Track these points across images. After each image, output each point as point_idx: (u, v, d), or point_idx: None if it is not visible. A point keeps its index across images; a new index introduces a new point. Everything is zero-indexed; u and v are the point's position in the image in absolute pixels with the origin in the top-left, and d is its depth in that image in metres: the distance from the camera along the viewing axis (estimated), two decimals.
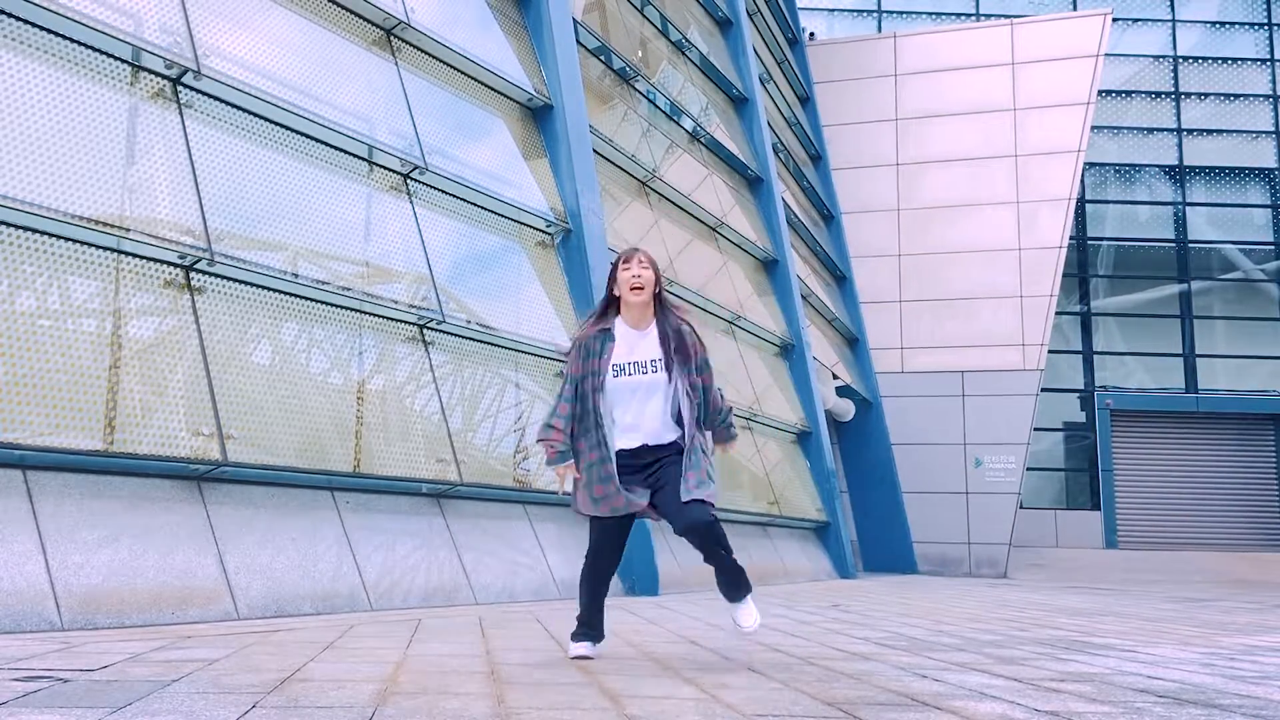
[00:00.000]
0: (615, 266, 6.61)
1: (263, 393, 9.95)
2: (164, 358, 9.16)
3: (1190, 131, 42.20)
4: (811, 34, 37.42)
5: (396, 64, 13.13)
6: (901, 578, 26.54)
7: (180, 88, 10.10)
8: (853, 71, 34.96)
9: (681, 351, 6.50)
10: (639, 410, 6.49)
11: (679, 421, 6.53)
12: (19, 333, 8.14)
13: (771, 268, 24.41)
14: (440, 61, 13.96)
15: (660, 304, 6.63)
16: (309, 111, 11.28)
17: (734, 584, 6.63)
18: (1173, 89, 42.49)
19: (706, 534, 6.35)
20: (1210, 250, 41.58)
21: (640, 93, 19.87)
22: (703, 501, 6.36)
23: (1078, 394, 40.29)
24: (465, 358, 12.90)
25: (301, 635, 7.29)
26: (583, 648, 6.62)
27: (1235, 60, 42.71)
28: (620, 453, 6.50)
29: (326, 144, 11.68)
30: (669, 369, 6.48)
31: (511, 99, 15.21)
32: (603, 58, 18.51)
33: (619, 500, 6.41)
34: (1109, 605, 15.08)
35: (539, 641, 7.26)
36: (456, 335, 12.73)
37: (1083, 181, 39.70)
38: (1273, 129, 42.08)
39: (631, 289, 6.47)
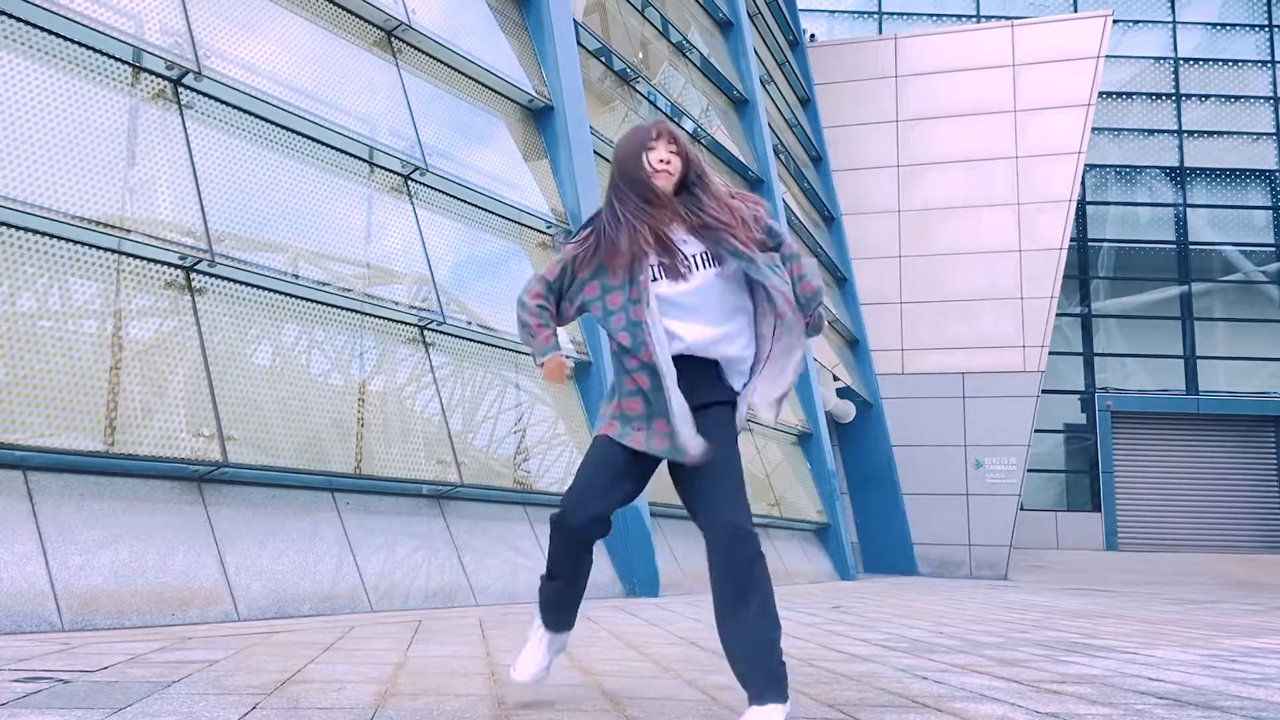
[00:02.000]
0: (635, 148, 4.74)
1: (263, 394, 9.95)
2: (164, 359, 9.16)
3: (1191, 133, 42.22)
4: (812, 35, 37.46)
5: (397, 65, 13.13)
6: (902, 579, 26.55)
7: (181, 89, 10.10)
8: (853, 73, 34.95)
9: (724, 228, 4.60)
10: (681, 322, 4.63)
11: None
12: (20, 333, 8.14)
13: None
14: (441, 63, 13.96)
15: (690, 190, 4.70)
16: (310, 113, 11.28)
17: (764, 664, 4.40)
18: (1173, 90, 42.51)
19: (748, 559, 4.33)
20: (1211, 252, 41.60)
21: (641, 94, 19.87)
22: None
23: (1078, 396, 40.32)
24: (466, 359, 12.90)
25: (302, 636, 7.29)
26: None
27: (1236, 62, 42.74)
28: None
29: (327, 145, 11.67)
30: (719, 260, 4.63)
31: (512, 100, 15.21)
32: (603, 59, 18.51)
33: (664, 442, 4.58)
34: (1109, 607, 15.09)
35: None
36: (457, 336, 12.73)
37: (1083, 183, 39.79)
38: (1273, 130, 42.09)
39: (658, 174, 4.62)
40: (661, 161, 4.65)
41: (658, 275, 4.64)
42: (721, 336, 4.71)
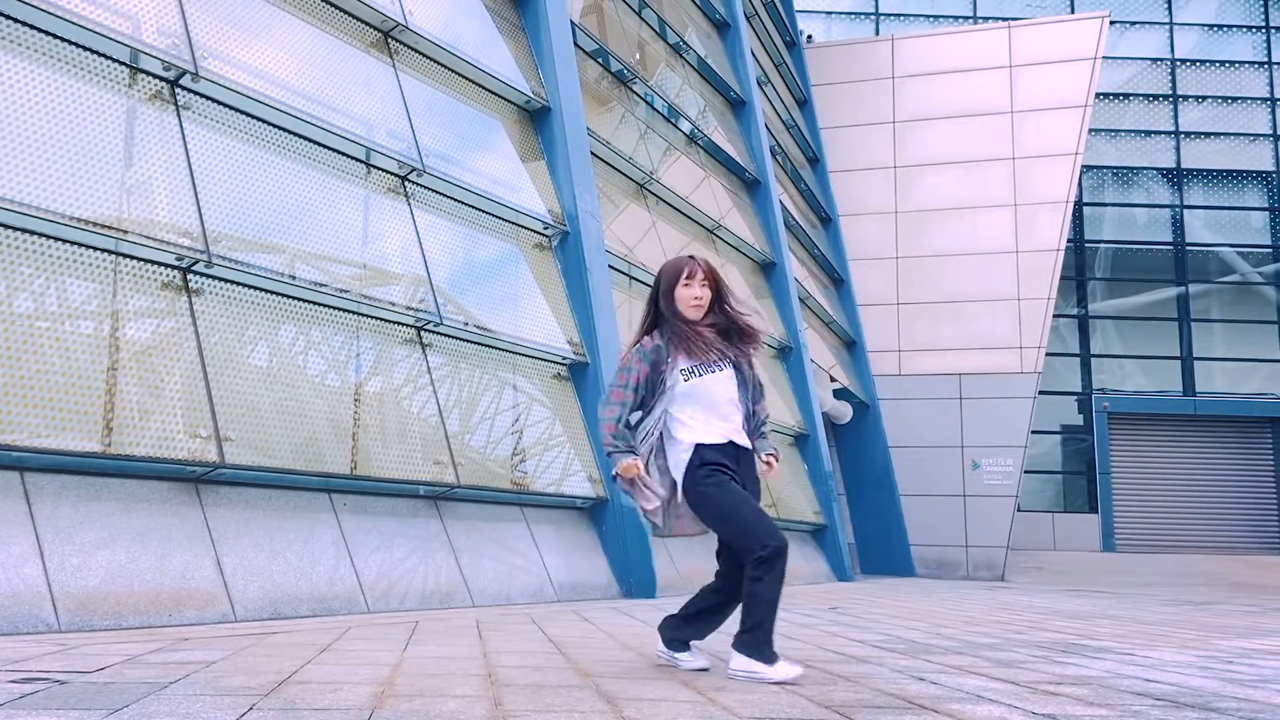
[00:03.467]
0: (673, 280, 6.16)
1: (260, 395, 9.95)
2: (161, 360, 9.16)
3: (1188, 134, 42.26)
4: (809, 36, 37.44)
5: (394, 66, 13.13)
6: (899, 580, 26.54)
7: (178, 90, 10.10)
8: (850, 74, 34.93)
9: (744, 344, 6.21)
10: (718, 409, 6.06)
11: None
12: (17, 335, 8.14)
13: (769, 270, 24.41)
14: (438, 64, 13.96)
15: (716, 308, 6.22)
16: (307, 114, 11.27)
17: (761, 631, 5.72)
18: (1170, 91, 42.56)
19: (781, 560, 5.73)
20: (1208, 253, 41.64)
21: (638, 95, 19.88)
22: None
23: (1075, 397, 40.34)
24: (463, 360, 12.90)
25: (298, 637, 7.29)
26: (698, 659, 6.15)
27: (1233, 63, 42.79)
28: (709, 447, 5.97)
29: (324, 146, 11.67)
30: (736, 364, 6.16)
31: (509, 101, 15.21)
32: (600, 60, 18.51)
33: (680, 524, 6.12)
34: (1106, 608, 15.09)
35: (536, 644, 7.26)
36: (454, 337, 12.73)
37: (1080, 184, 39.73)
38: (1270, 132, 42.13)
39: (692, 307, 6.10)
40: (695, 299, 6.13)
41: (689, 376, 6.05)
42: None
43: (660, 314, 6.21)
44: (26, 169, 8.45)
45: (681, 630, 6.24)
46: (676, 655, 6.20)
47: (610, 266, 15.94)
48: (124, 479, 8.78)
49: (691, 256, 6.23)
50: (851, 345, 32.29)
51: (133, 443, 8.62)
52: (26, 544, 7.81)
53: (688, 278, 6.12)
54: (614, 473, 5.98)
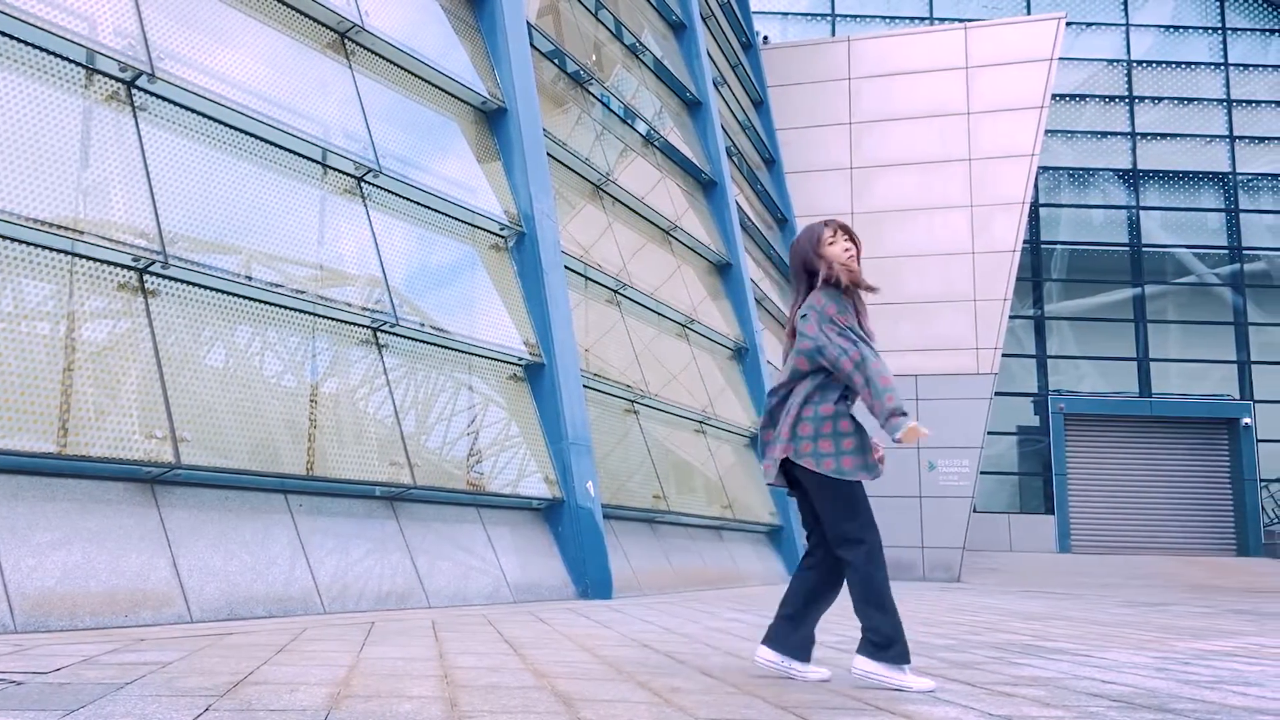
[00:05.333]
0: (817, 241, 6.11)
1: (216, 395, 9.92)
2: (118, 360, 9.12)
3: (1144, 135, 42.45)
4: (765, 38, 37.52)
5: (350, 67, 13.10)
6: None
7: (135, 91, 10.06)
8: (806, 75, 35.01)
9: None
10: None
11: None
12: None
13: (725, 271, 24.45)
14: (394, 65, 13.94)
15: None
16: (263, 114, 11.24)
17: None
18: (1126, 93, 42.74)
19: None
20: (1164, 254, 41.84)
21: (594, 96, 19.88)
22: None
23: (1031, 398, 40.46)
24: (418, 361, 12.88)
25: (254, 638, 7.27)
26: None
27: (1189, 64, 43.00)
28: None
29: (280, 147, 11.63)
30: None
31: (466, 102, 15.19)
32: (556, 61, 18.51)
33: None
34: (1062, 609, 15.16)
35: (492, 645, 7.26)
36: (410, 338, 12.72)
37: (1036, 185, 39.91)
38: (1226, 133, 42.35)
39: (847, 262, 6.07)
40: (847, 251, 6.10)
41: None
42: None
43: (811, 283, 6.11)
44: None
45: (793, 632, 6.12)
46: (795, 665, 6.03)
47: (566, 267, 15.96)
48: (80, 479, 8.74)
49: (825, 221, 6.21)
50: None
51: (88, 443, 8.59)
52: None
53: (832, 235, 6.10)
54: (897, 437, 5.67)
